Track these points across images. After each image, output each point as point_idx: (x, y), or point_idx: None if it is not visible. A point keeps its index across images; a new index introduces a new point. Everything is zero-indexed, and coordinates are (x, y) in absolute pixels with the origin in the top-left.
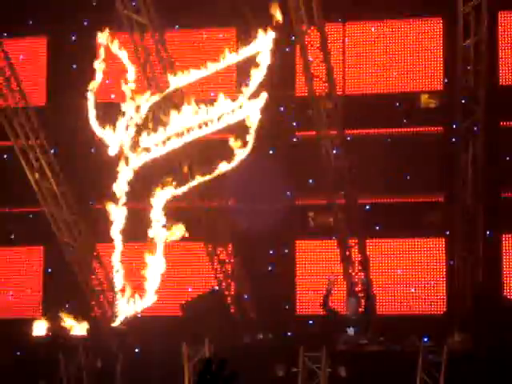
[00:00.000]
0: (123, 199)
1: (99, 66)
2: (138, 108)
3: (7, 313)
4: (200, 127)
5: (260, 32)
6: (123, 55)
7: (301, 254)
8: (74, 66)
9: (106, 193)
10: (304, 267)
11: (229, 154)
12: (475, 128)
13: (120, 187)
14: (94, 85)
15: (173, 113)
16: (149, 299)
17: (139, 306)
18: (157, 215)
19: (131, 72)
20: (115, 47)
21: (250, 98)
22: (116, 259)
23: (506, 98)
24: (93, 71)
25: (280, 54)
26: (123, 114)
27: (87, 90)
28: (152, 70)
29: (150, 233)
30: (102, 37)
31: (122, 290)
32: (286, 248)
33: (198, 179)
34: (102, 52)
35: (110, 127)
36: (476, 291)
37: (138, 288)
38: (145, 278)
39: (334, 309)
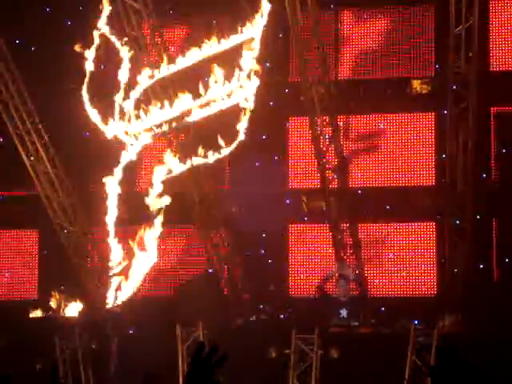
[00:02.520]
0: (118, 182)
1: (93, 52)
2: (132, 93)
3: (3, 295)
4: (194, 112)
5: (254, 17)
6: (116, 42)
7: (294, 237)
8: (70, 51)
9: (102, 176)
10: (297, 250)
11: (223, 139)
12: (466, 114)
13: (117, 171)
14: (88, 69)
15: (167, 98)
16: (141, 280)
17: (133, 289)
18: (154, 196)
19: (124, 58)
20: (110, 34)
21: (243, 84)
22: (109, 242)
23: (496, 84)
24: (88, 56)
25: (274, 40)
26: (118, 98)
27: (83, 75)
28: (147, 56)
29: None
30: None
31: (117, 273)
32: (279, 231)
33: (193, 163)
34: (95, 36)
35: (107, 111)
36: (467, 275)
37: (132, 271)
38: (138, 261)
39: (327, 293)
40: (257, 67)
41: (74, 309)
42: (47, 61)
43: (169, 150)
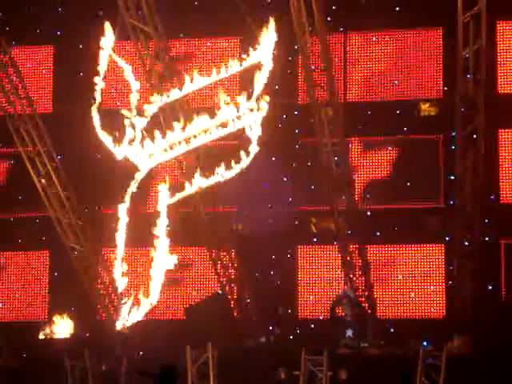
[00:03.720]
0: (128, 204)
1: (101, 73)
2: (142, 115)
3: (14, 316)
4: (204, 134)
5: (262, 39)
6: (125, 64)
7: (302, 258)
8: (81, 74)
9: (112, 198)
10: (306, 272)
11: (232, 161)
12: (474, 135)
13: (126, 193)
14: (97, 92)
15: (177, 120)
16: (151, 302)
17: (142, 310)
18: (161, 220)
19: (134, 81)
20: (117, 57)
21: (252, 106)
22: (119, 263)
23: (504, 106)
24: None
25: (283, 63)
26: (128, 121)
27: (93, 98)
28: (156, 78)
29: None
30: (105, 43)
31: (126, 295)
32: (288, 253)
33: (202, 185)
34: (103, 59)
35: (116, 134)
36: (476, 296)
37: (142, 292)
38: (148, 283)
39: (339, 316)
40: (266, 96)
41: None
42: (60, 83)
43: (164, 182)
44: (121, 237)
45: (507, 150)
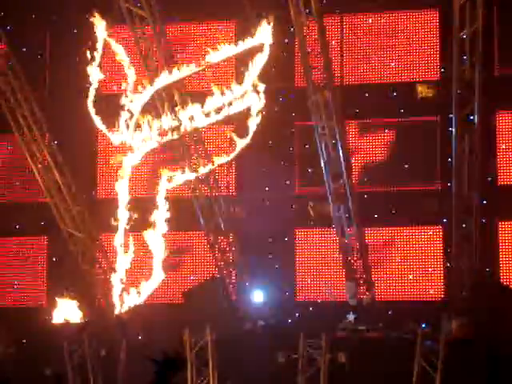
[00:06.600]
0: (127, 189)
1: (96, 58)
2: (138, 100)
3: (13, 302)
4: (203, 118)
5: (259, 24)
6: (120, 49)
7: (300, 242)
8: (76, 59)
9: (110, 183)
10: (303, 255)
11: (229, 145)
12: (471, 117)
13: (124, 177)
14: (93, 77)
15: (173, 104)
16: (151, 287)
17: (141, 295)
18: (160, 204)
19: (130, 65)
20: (113, 42)
21: (249, 90)
22: (119, 248)
23: (501, 88)
24: (93, 64)
25: (279, 45)
26: (124, 105)
27: (88, 83)
28: (153, 62)
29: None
30: (99, 26)
31: (125, 279)
32: (285, 236)
33: (200, 169)
34: (98, 44)
35: (113, 118)
36: (474, 278)
37: (141, 277)
38: (147, 267)
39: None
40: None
41: (71, 313)
42: (55, 68)
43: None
44: (119, 222)
45: (505, 132)
